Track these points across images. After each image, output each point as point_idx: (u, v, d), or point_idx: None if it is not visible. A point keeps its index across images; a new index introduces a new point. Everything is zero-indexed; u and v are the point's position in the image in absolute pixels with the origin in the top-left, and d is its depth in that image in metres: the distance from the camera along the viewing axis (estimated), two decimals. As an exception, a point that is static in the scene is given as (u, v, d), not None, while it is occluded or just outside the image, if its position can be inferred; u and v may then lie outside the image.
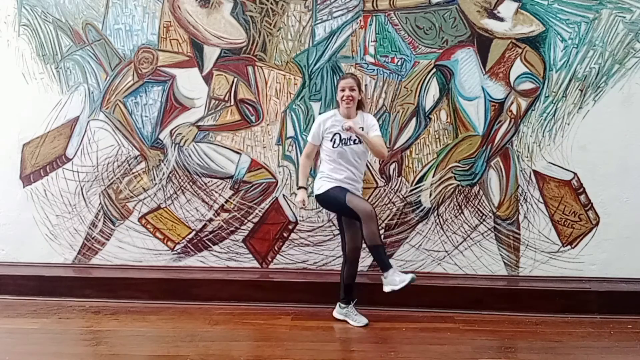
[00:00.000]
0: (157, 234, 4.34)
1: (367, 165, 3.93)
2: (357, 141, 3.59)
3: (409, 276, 3.40)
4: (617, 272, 4.13)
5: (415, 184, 4.21)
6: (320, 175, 3.67)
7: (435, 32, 4.09)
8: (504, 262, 4.21)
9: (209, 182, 4.29)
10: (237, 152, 4.26)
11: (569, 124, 4.10)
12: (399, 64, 4.12)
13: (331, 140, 3.60)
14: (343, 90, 3.58)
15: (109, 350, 3.33)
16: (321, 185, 3.63)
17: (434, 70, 4.11)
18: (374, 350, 3.38)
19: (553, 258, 4.18)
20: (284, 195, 4.26)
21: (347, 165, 3.59)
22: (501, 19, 4.04)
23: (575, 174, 4.13)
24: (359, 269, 3.73)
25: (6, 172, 4.34)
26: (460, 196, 4.20)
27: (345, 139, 3.58)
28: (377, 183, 4.21)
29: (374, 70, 4.14)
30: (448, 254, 4.22)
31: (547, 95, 4.09)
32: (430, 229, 4.21)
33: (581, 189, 4.14)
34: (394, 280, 3.41)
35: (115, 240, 4.35)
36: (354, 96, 3.57)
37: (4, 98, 4.30)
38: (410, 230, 4.22)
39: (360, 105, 3.67)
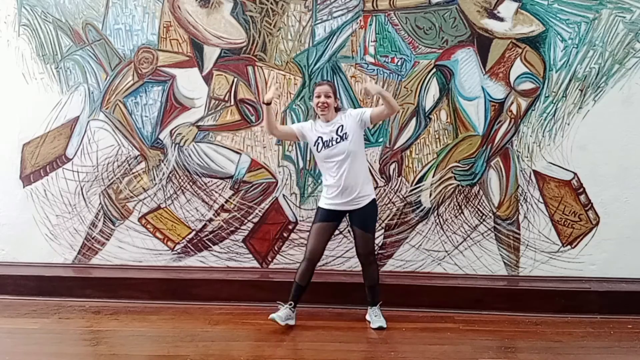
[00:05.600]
0: (157, 234, 4.33)
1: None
2: (339, 140, 3.52)
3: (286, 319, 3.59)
4: (617, 272, 4.13)
5: (415, 184, 4.21)
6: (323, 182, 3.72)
7: (435, 32, 4.09)
8: (504, 262, 4.21)
9: (209, 182, 4.29)
10: (237, 152, 4.26)
11: (569, 124, 4.10)
12: (399, 64, 4.12)
13: (315, 145, 3.58)
14: (318, 96, 3.53)
15: (109, 350, 3.33)
16: (321, 198, 3.71)
17: (434, 70, 4.11)
18: (374, 350, 3.38)
19: (553, 258, 4.18)
20: (284, 195, 4.26)
21: (335, 170, 3.53)
22: (501, 19, 4.04)
23: (575, 174, 4.13)
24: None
25: (6, 172, 4.34)
26: (460, 196, 4.19)
27: (327, 141, 3.54)
28: (377, 183, 4.20)
29: (374, 70, 4.14)
30: (448, 254, 4.22)
31: (547, 95, 4.09)
32: (430, 229, 4.21)
33: (581, 189, 4.14)
34: (281, 316, 3.59)
35: (115, 240, 4.34)
36: (329, 103, 3.53)
37: (4, 98, 4.30)
38: (410, 230, 4.22)
39: (337, 110, 3.63)
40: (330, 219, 3.63)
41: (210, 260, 4.33)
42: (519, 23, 4.03)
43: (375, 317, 3.66)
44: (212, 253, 4.33)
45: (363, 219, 3.59)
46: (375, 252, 3.78)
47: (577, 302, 3.93)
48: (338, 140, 3.53)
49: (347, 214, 3.65)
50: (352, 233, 3.72)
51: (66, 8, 4.22)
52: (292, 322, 3.62)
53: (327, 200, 3.62)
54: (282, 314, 3.59)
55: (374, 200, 3.65)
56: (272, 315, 3.58)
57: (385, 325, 3.60)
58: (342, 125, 3.56)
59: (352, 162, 3.53)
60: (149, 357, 3.23)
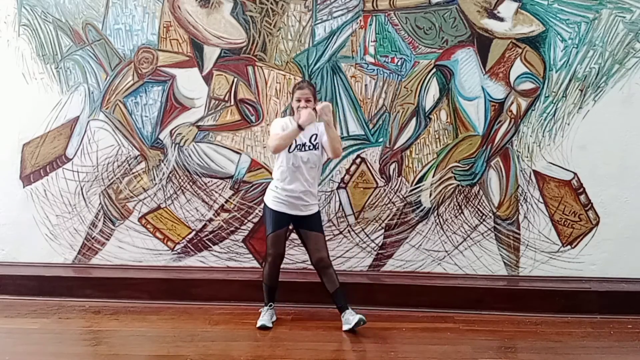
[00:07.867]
0: (157, 234, 4.33)
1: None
2: (311, 147, 3.51)
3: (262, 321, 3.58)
4: (617, 272, 4.12)
5: (415, 184, 4.21)
6: (272, 182, 3.65)
7: (435, 32, 4.09)
8: (504, 262, 4.21)
9: (209, 182, 4.29)
10: (237, 152, 4.26)
11: (569, 124, 4.10)
12: (399, 64, 4.12)
13: None
14: (299, 100, 3.49)
15: (109, 350, 3.33)
16: (268, 196, 3.64)
17: (434, 70, 4.11)
18: (374, 350, 3.38)
19: (553, 258, 4.18)
20: (284, 195, 4.26)
21: (299, 175, 3.51)
22: (501, 19, 4.05)
23: (575, 174, 4.13)
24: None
25: (6, 172, 4.34)
26: (460, 196, 4.19)
27: (300, 145, 3.50)
28: (377, 183, 4.21)
29: (374, 70, 4.14)
30: (448, 254, 4.22)
31: (547, 95, 4.09)
32: (430, 229, 4.21)
33: (581, 189, 4.14)
34: (267, 319, 3.59)
35: (115, 240, 4.35)
36: (309, 107, 3.47)
37: (4, 98, 4.30)
38: (410, 230, 4.22)
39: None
40: (283, 224, 3.61)
41: (210, 260, 4.33)
42: (519, 23, 4.03)
43: (351, 317, 3.50)
44: (212, 253, 4.33)
45: (314, 222, 3.61)
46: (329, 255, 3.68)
47: (577, 302, 3.93)
48: (310, 147, 3.52)
49: (292, 221, 3.61)
50: (302, 240, 3.67)
51: (66, 8, 4.22)
52: (274, 318, 3.67)
53: (279, 201, 3.56)
54: (267, 316, 3.61)
55: (319, 211, 3.69)
56: (261, 323, 3.57)
57: (364, 318, 3.47)
58: (316, 135, 3.54)
59: (316, 172, 3.59)
60: (149, 357, 3.23)
